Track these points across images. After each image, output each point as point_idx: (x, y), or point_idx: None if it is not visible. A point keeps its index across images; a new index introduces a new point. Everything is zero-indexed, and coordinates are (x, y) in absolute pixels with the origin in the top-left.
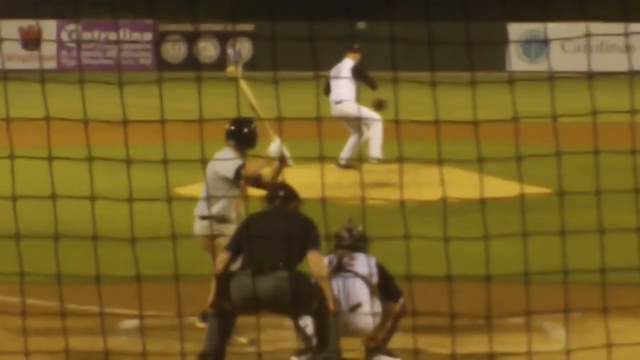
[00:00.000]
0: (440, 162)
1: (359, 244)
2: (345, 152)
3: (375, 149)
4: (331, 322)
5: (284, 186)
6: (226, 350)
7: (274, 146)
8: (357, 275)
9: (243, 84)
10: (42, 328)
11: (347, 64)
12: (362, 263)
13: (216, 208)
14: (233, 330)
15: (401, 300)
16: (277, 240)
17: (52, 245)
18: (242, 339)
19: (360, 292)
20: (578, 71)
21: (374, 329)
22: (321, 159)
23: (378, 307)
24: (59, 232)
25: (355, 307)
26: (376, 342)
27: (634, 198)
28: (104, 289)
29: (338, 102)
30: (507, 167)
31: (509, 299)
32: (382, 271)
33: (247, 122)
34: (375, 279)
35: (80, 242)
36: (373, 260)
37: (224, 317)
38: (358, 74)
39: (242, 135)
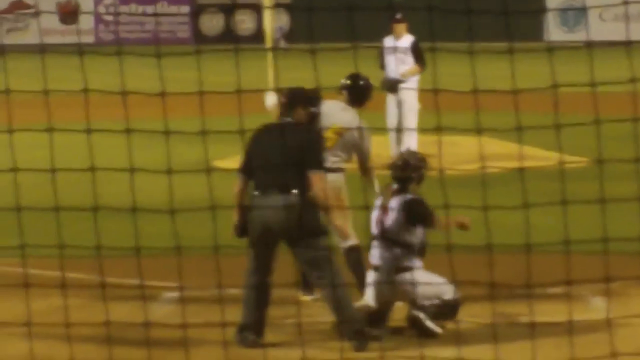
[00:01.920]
0: (479, 132)
1: (418, 174)
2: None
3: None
4: (341, 278)
5: (293, 91)
6: (265, 321)
7: (270, 98)
8: (395, 244)
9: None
10: (82, 301)
11: (405, 40)
12: (393, 213)
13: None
14: (270, 300)
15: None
16: (278, 160)
17: (91, 218)
18: (306, 297)
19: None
20: (616, 40)
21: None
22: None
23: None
24: (98, 205)
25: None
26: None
27: None
28: (144, 262)
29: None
30: (546, 137)
31: (549, 268)
32: (408, 207)
33: (361, 78)
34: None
35: (120, 215)
36: (401, 203)
37: (260, 287)
38: (417, 50)
39: (356, 90)
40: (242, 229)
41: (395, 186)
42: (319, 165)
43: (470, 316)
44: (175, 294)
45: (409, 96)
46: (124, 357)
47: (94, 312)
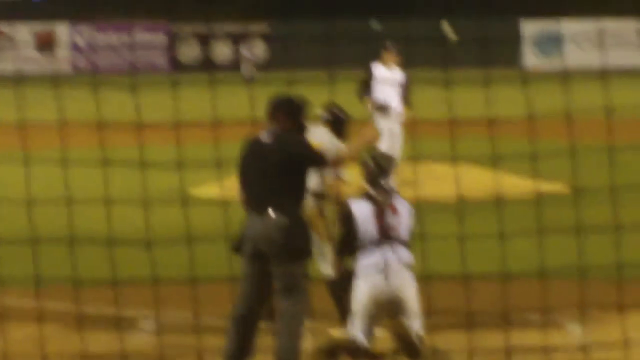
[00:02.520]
0: (454, 159)
1: (388, 173)
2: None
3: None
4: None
5: (286, 99)
6: (250, 350)
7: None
8: (402, 251)
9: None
10: (58, 331)
11: (397, 73)
12: (403, 211)
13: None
14: (255, 330)
15: None
16: (266, 174)
17: (68, 248)
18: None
19: (407, 285)
20: (593, 67)
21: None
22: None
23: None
24: (75, 235)
25: (401, 302)
26: None
27: None
28: (121, 291)
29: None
30: (523, 164)
31: (525, 295)
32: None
33: (341, 111)
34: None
35: (96, 244)
36: (407, 207)
37: (243, 318)
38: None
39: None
40: (238, 245)
41: (382, 186)
42: (321, 162)
43: (447, 344)
44: (152, 323)
45: (398, 127)
46: None
47: (71, 342)
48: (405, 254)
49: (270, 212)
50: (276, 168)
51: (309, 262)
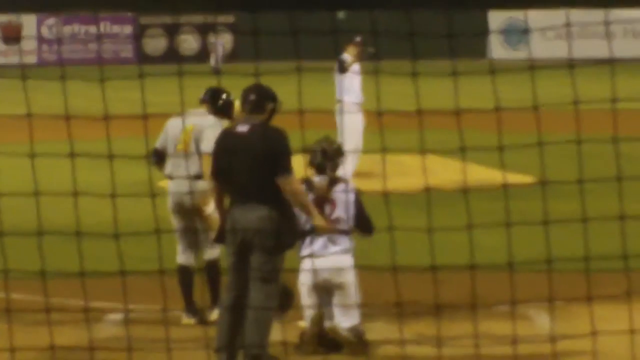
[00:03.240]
0: (422, 151)
1: (334, 162)
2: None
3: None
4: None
5: (256, 88)
6: (238, 342)
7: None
8: (340, 238)
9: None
10: (26, 323)
11: (344, 58)
12: (342, 204)
13: (196, 167)
14: (244, 322)
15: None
16: (247, 166)
17: (35, 241)
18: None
19: (345, 267)
20: (559, 58)
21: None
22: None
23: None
24: (42, 228)
25: (339, 287)
26: None
27: (616, 186)
28: (89, 283)
29: (338, 101)
30: (491, 156)
31: (494, 287)
32: (358, 202)
33: (222, 91)
34: (351, 212)
35: (64, 238)
36: (352, 196)
37: (233, 307)
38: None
39: (217, 104)
40: (221, 235)
41: (324, 176)
42: (286, 169)
43: (415, 335)
44: (120, 315)
45: (351, 119)
46: None
47: (39, 335)
48: (343, 241)
49: (255, 203)
50: (259, 160)
51: (287, 254)
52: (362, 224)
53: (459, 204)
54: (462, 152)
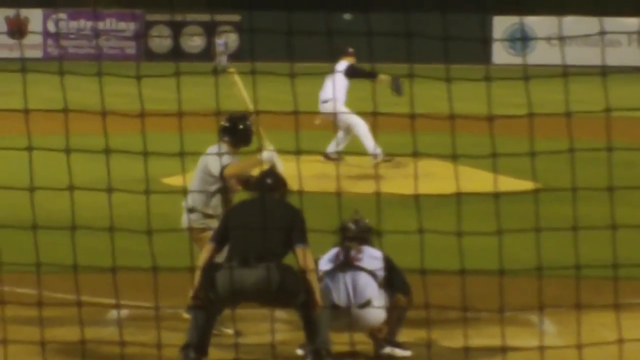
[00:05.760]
0: (416, 154)
1: (365, 235)
2: (332, 146)
3: (370, 146)
4: (319, 315)
5: (271, 173)
6: (209, 341)
7: (267, 154)
8: (364, 269)
9: (237, 78)
10: (19, 317)
11: (340, 65)
12: (369, 257)
13: (204, 202)
14: (216, 322)
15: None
16: (262, 231)
17: (31, 235)
18: (228, 331)
19: (369, 287)
20: (563, 64)
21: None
22: (297, 153)
23: (386, 301)
24: (39, 222)
25: (365, 305)
26: (383, 334)
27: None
28: (85, 279)
29: (323, 102)
30: (486, 160)
31: (484, 292)
32: (388, 264)
33: (242, 118)
34: (381, 273)
35: (62, 232)
36: (380, 254)
37: (207, 308)
38: (352, 72)
39: (237, 133)
40: (205, 300)
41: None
42: (304, 239)
43: (406, 337)
44: (115, 312)
45: (330, 107)
46: None
47: (32, 328)
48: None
49: (263, 264)
50: (278, 225)
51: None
52: (397, 285)
53: (452, 206)
54: (455, 156)
